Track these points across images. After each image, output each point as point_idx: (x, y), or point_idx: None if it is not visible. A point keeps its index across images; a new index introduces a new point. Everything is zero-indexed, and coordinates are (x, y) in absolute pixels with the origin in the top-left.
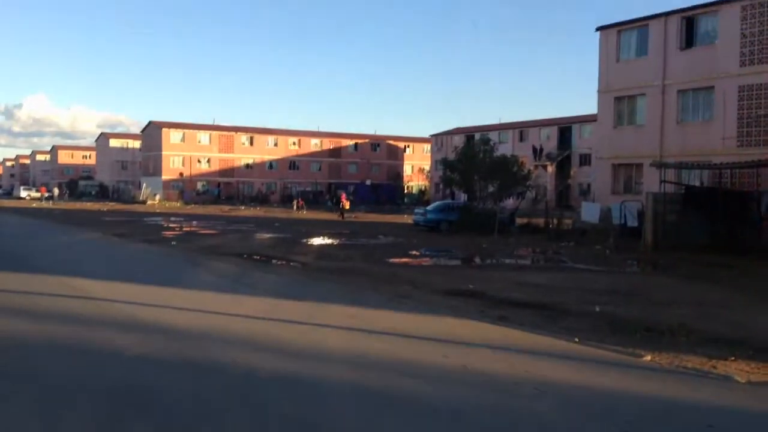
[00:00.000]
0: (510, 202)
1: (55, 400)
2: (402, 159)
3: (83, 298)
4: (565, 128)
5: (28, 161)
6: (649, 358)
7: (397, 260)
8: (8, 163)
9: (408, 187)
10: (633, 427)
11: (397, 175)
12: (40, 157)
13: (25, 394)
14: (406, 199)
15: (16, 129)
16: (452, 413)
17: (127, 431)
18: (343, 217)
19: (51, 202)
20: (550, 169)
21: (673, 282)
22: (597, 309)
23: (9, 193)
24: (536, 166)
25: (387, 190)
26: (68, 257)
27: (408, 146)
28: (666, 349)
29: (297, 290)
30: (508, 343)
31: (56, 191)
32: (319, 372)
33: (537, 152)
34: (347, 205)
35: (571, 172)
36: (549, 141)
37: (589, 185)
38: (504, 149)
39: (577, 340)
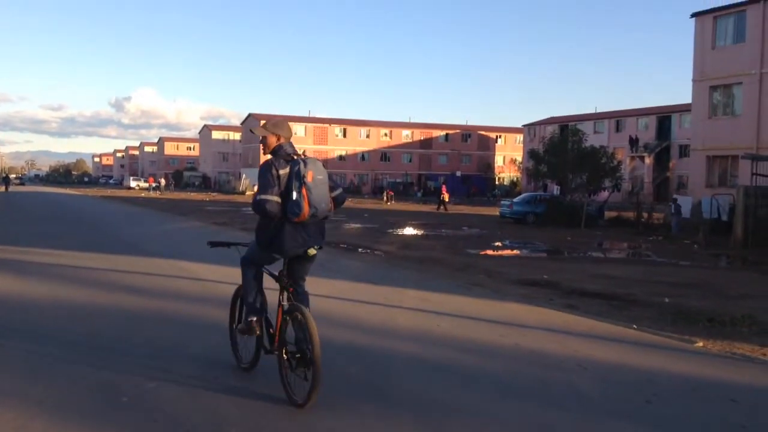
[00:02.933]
0: (605, 195)
1: (163, 357)
2: (493, 149)
3: (189, 279)
4: (664, 117)
5: (137, 152)
6: (701, 344)
7: (477, 251)
8: (119, 154)
9: (499, 178)
10: (658, 398)
11: (488, 166)
12: (147, 149)
13: (138, 354)
14: (497, 191)
15: (126, 121)
16: (496, 382)
17: (220, 381)
18: (442, 209)
19: (158, 192)
20: (648, 160)
21: (754, 277)
22: (666, 300)
23: (119, 183)
24: (633, 158)
25: (477, 182)
26: (174, 242)
27: (500, 137)
28: (723, 337)
29: (376, 275)
30: (565, 327)
31: (163, 182)
32: (385, 345)
33: (634, 143)
34: (447, 197)
35: (670, 164)
36: (647, 131)
37: (688, 178)
38: (599, 139)
39: (635, 327)
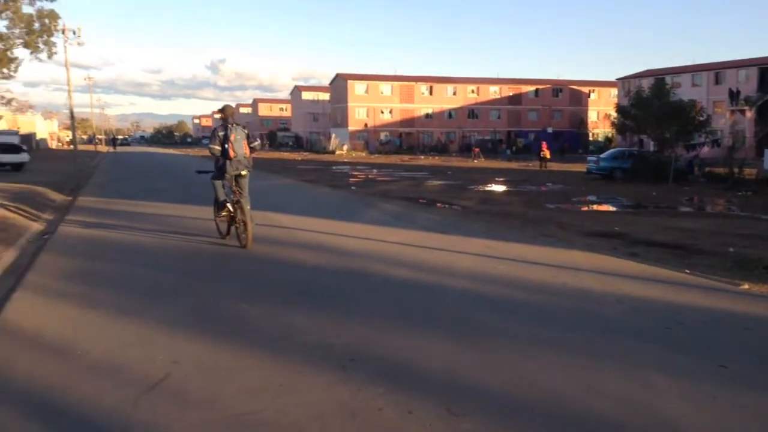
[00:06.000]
0: (705, 150)
1: (254, 288)
2: (586, 105)
3: (278, 227)
4: (766, 69)
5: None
6: (746, 286)
7: (556, 206)
8: (216, 116)
9: (593, 134)
10: (679, 325)
11: (581, 122)
12: (243, 110)
13: (233, 285)
14: (591, 147)
15: (222, 83)
16: (534, 312)
17: (298, 307)
18: (544, 167)
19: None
20: (749, 114)
21: None
22: (731, 250)
23: None
24: (733, 112)
25: (569, 138)
26: (268, 197)
27: (593, 91)
28: None
29: (449, 227)
30: (616, 271)
31: (258, 142)
32: (444, 282)
33: (734, 96)
34: (548, 155)
35: None
36: (748, 83)
37: None
38: (697, 93)
39: (687, 271)
